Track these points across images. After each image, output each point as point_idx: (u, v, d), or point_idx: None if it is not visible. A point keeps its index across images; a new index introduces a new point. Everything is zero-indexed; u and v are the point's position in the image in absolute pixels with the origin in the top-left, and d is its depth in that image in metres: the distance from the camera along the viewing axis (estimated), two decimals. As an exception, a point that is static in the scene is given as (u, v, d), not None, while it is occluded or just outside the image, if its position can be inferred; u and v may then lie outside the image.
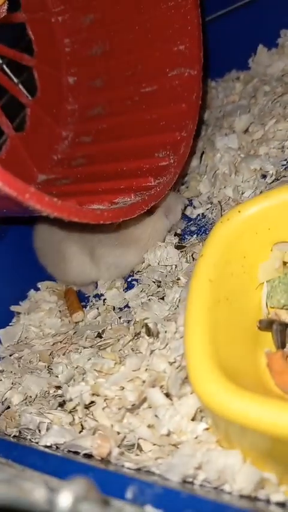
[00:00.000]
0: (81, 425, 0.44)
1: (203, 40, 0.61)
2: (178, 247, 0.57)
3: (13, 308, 0.63)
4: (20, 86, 0.72)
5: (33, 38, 0.71)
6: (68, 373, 0.49)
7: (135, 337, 0.48)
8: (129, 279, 0.60)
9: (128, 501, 0.28)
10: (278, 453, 0.32)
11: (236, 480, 0.32)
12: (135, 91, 0.67)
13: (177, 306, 0.49)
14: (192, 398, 0.38)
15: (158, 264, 0.56)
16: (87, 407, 0.43)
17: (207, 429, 0.37)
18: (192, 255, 0.55)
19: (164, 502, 0.28)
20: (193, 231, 0.61)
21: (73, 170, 0.67)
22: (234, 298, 0.40)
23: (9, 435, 0.47)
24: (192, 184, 0.65)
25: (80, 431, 0.43)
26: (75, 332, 0.57)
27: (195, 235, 0.60)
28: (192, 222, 0.62)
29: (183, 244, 0.58)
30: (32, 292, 0.65)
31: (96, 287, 0.62)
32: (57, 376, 0.50)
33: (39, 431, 0.45)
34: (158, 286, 0.55)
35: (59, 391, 0.49)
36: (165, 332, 0.45)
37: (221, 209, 0.58)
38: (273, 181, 0.57)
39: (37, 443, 0.43)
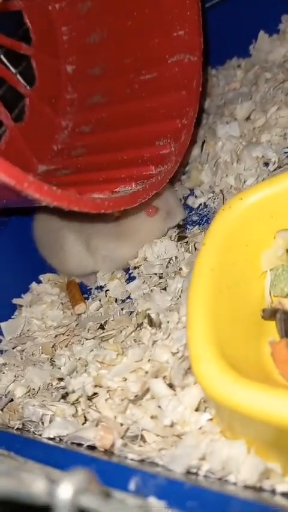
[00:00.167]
0: (84, 417, 0.43)
1: (203, 27, 0.60)
2: (180, 238, 0.57)
3: (15, 301, 0.63)
4: (18, 76, 0.71)
5: (31, 27, 0.70)
6: (71, 365, 0.49)
7: (138, 328, 0.48)
8: (130, 271, 0.60)
9: (130, 492, 0.28)
10: (283, 443, 0.32)
11: (241, 471, 0.32)
12: (134, 79, 0.66)
13: (180, 296, 0.49)
14: (196, 389, 0.38)
15: (157, 258, 0.56)
16: (90, 398, 0.43)
17: (210, 420, 0.37)
18: (194, 245, 0.55)
19: (167, 493, 0.28)
20: (195, 220, 0.60)
21: (73, 160, 0.66)
22: (237, 288, 0.39)
23: (13, 428, 0.47)
24: (193, 174, 0.64)
25: (83, 423, 0.43)
26: (77, 324, 0.57)
27: (197, 225, 0.59)
28: (194, 211, 0.61)
29: (185, 235, 0.57)
30: (34, 284, 0.65)
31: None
32: (59, 368, 0.50)
33: (42, 423, 0.45)
34: (160, 278, 0.55)
35: (62, 383, 0.49)
36: (168, 322, 0.44)
37: (223, 198, 0.57)
38: (275, 169, 0.56)
39: (40, 435, 0.43)
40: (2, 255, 0.64)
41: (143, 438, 0.39)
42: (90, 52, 0.71)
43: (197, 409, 0.37)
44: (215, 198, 0.60)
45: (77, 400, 0.44)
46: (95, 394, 0.43)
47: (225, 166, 0.60)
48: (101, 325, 0.54)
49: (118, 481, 0.29)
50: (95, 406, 0.42)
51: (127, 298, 0.57)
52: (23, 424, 0.47)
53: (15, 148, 0.68)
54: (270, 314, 0.39)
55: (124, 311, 0.54)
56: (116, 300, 0.58)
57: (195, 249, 0.54)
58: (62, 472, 0.31)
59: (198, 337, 0.34)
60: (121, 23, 0.67)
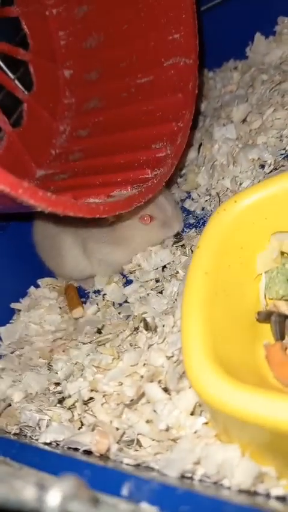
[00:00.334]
0: (81, 421, 0.43)
1: (199, 30, 0.60)
2: (176, 241, 0.57)
3: (13, 305, 0.63)
4: (16, 82, 0.71)
5: (28, 32, 0.70)
6: (68, 370, 0.49)
7: (134, 332, 0.48)
8: (127, 275, 0.60)
9: (123, 498, 0.28)
10: (277, 447, 0.32)
11: (235, 475, 0.32)
12: (131, 82, 0.66)
13: (176, 300, 0.49)
14: (191, 393, 0.38)
15: (153, 267, 0.55)
16: (86, 403, 0.43)
17: (206, 423, 0.36)
18: (191, 248, 0.55)
19: (160, 499, 0.27)
20: (192, 223, 0.60)
21: (70, 164, 0.66)
22: (232, 290, 0.39)
23: (10, 433, 0.47)
24: (190, 177, 0.64)
25: (79, 428, 0.43)
26: (75, 328, 0.57)
27: (193, 228, 0.59)
28: (190, 214, 0.61)
29: (181, 238, 0.57)
30: (32, 289, 0.65)
31: (96, 282, 0.62)
32: (56, 373, 0.50)
33: (39, 428, 0.45)
34: (157, 281, 0.54)
35: (59, 388, 0.49)
36: (163, 326, 0.44)
37: (219, 201, 0.57)
38: (271, 171, 0.56)
39: (37, 440, 0.43)
40: (1, 259, 0.64)
41: (138, 442, 0.39)
42: (87, 56, 0.71)
43: (192, 413, 0.37)
44: (211, 201, 0.60)
45: (73, 404, 0.44)
46: (91, 398, 0.43)
47: (221, 168, 0.60)
48: (98, 329, 0.54)
49: (111, 487, 0.29)
50: (91, 411, 0.42)
51: (124, 302, 0.57)
52: (20, 429, 0.47)
53: (14, 154, 0.68)
54: (265, 317, 0.39)
55: (121, 315, 0.54)
56: (113, 304, 0.58)
57: (192, 252, 0.54)
58: (53, 478, 0.31)
59: (192, 341, 0.34)
60: (117, 27, 0.67)
